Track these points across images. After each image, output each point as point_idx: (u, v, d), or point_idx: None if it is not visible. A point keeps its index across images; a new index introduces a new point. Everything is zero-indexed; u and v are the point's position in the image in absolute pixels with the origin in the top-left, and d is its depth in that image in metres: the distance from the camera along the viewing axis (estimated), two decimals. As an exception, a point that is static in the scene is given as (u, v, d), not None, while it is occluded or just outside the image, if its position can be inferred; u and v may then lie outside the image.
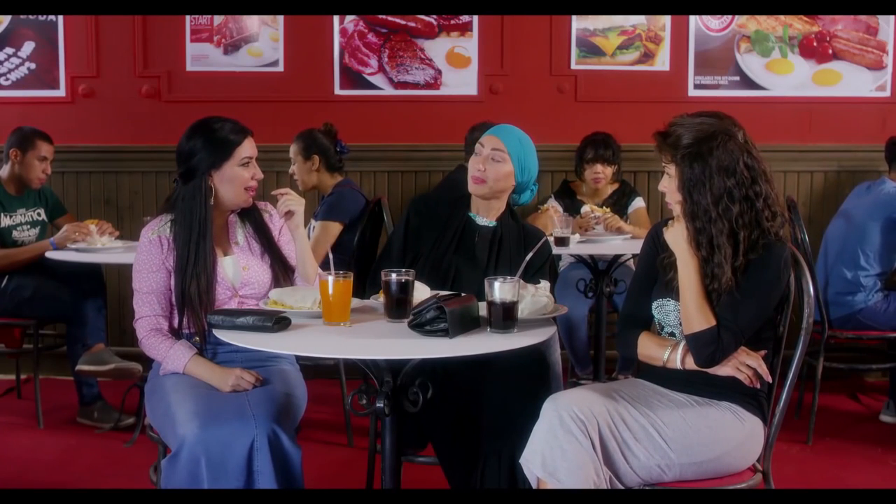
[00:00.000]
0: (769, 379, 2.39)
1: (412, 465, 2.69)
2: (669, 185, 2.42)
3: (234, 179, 2.70)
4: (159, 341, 2.66)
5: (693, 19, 4.95)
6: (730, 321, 2.32)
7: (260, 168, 2.76)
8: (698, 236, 2.36)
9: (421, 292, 2.45)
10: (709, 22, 4.97)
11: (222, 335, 2.34)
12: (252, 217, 2.81)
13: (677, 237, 2.40)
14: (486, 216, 2.89)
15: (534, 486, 2.30)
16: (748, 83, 4.98)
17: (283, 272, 2.78)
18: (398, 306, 2.35)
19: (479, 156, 2.83)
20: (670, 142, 2.39)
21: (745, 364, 2.35)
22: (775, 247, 2.36)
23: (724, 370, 2.35)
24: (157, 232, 2.70)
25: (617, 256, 4.09)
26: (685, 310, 2.36)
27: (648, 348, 2.48)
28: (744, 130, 2.39)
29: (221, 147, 2.69)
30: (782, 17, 4.94)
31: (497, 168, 2.81)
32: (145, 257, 2.68)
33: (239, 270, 2.73)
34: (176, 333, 2.69)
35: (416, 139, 4.98)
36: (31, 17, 4.95)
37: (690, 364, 2.38)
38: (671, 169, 2.40)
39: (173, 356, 2.63)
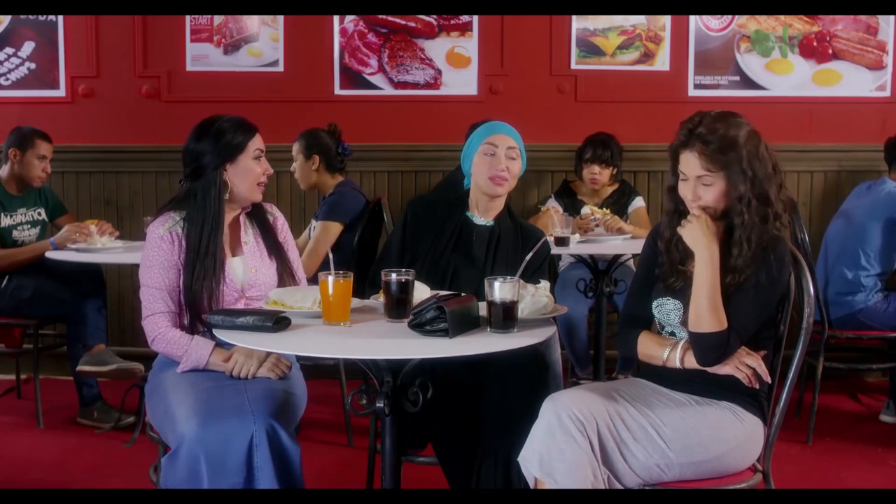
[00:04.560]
0: (768, 379, 2.39)
1: (412, 465, 2.69)
2: (706, 192, 2.36)
3: (249, 173, 2.70)
4: (177, 337, 2.61)
5: (693, 19, 4.95)
6: (734, 321, 2.32)
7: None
8: (744, 232, 2.34)
9: (421, 292, 2.46)
10: (709, 22, 4.97)
11: (222, 335, 2.33)
12: (259, 218, 2.81)
13: (695, 233, 2.36)
14: (484, 216, 2.89)
15: (531, 486, 2.30)
16: (748, 83, 4.98)
17: (288, 274, 2.78)
18: (398, 306, 2.35)
19: (493, 156, 2.82)
20: (723, 146, 2.33)
21: (744, 364, 2.35)
22: (775, 245, 2.37)
23: (723, 369, 2.35)
24: (168, 228, 2.66)
25: (617, 256, 4.09)
26: (697, 307, 2.33)
27: (648, 347, 2.48)
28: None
29: (236, 139, 2.69)
30: (782, 17, 4.94)
31: (514, 166, 2.85)
32: (156, 253, 2.65)
33: (248, 271, 2.73)
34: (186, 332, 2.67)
35: (416, 139, 4.98)
36: (31, 17, 4.95)
37: (690, 363, 2.38)
38: (717, 177, 2.34)
39: (194, 350, 2.59)
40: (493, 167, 2.82)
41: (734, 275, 2.35)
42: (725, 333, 2.31)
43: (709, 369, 2.36)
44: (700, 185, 2.37)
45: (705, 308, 2.32)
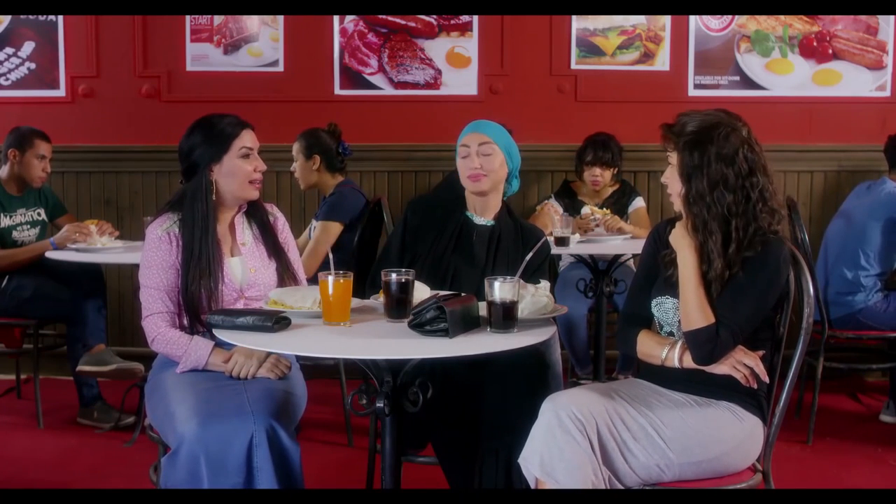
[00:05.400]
0: (766, 379, 2.39)
1: (412, 465, 2.69)
2: (671, 174, 2.44)
3: (236, 172, 2.69)
4: (177, 337, 2.62)
5: (693, 19, 4.95)
6: (728, 318, 2.33)
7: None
8: (695, 221, 2.38)
9: (421, 292, 2.45)
10: (709, 22, 4.97)
11: (222, 335, 2.33)
12: (258, 218, 2.81)
13: (677, 233, 2.43)
14: (483, 215, 2.89)
15: (532, 486, 2.30)
16: (748, 83, 4.98)
17: (288, 275, 2.78)
18: (398, 306, 2.35)
19: (467, 156, 2.83)
20: (675, 130, 2.41)
21: (742, 363, 2.35)
22: (773, 244, 2.37)
23: (721, 369, 2.36)
24: (166, 229, 2.67)
25: (617, 256, 4.09)
26: (685, 306, 2.36)
27: (647, 346, 2.48)
28: (749, 127, 2.41)
29: (219, 140, 2.68)
30: (782, 17, 4.94)
31: (490, 161, 2.82)
32: (155, 254, 2.66)
33: (246, 272, 2.73)
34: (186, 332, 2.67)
35: (416, 139, 4.98)
36: (31, 17, 4.95)
37: (688, 362, 2.39)
38: (674, 157, 2.41)
39: (194, 350, 2.60)
40: (465, 167, 2.82)
41: (718, 270, 2.36)
42: (714, 327, 2.32)
43: (706, 368, 2.36)
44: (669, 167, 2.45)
45: (692, 305, 2.34)
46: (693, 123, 2.39)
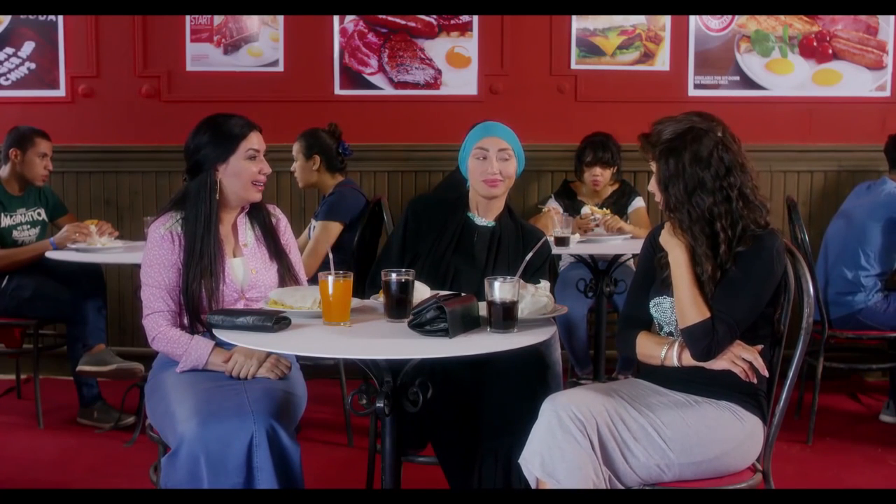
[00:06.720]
0: (765, 373, 2.39)
1: (412, 465, 2.69)
2: (655, 184, 2.46)
3: (241, 173, 2.69)
4: (177, 336, 2.62)
5: (693, 19, 4.96)
6: (724, 313, 2.33)
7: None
8: (680, 226, 2.41)
9: (421, 292, 2.46)
10: (709, 22, 4.97)
11: (222, 335, 2.33)
12: (260, 219, 2.81)
13: (666, 234, 2.46)
14: (485, 216, 2.89)
15: (533, 486, 2.30)
16: (748, 83, 4.98)
17: (290, 276, 2.78)
18: (398, 306, 2.35)
19: (485, 160, 2.82)
20: (651, 140, 2.44)
21: (740, 358, 2.35)
22: (765, 237, 2.38)
23: (719, 364, 2.36)
24: (169, 227, 2.68)
25: (617, 256, 4.09)
26: (679, 304, 2.37)
27: (646, 347, 2.49)
28: (725, 127, 2.43)
29: (227, 140, 2.69)
30: (782, 17, 4.94)
31: (508, 167, 2.84)
32: (157, 252, 2.66)
33: (248, 273, 2.73)
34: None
35: (416, 139, 4.98)
36: (31, 17, 4.95)
37: (687, 361, 2.39)
38: (654, 167, 2.44)
39: (194, 349, 2.60)
40: (484, 171, 2.82)
41: (709, 272, 2.37)
42: (709, 322, 2.33)
43: (705, 364, 2.37)
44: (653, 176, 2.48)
45: (686, 301, 2.35)
46: (667, 132, 2.41)
